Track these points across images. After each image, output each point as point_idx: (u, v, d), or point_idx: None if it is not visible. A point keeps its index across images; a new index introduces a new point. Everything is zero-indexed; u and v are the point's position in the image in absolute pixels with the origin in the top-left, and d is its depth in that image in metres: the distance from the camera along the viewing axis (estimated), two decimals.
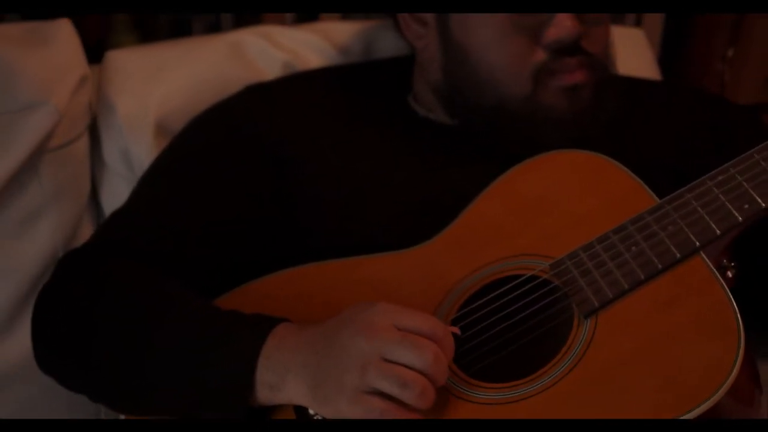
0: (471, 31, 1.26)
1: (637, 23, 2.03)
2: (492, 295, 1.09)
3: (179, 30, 1.82)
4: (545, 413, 0.98)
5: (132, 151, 1.44)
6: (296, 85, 1.41)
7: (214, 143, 1.31)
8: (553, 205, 1.14)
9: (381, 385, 0.98)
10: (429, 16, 1.30)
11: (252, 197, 1.26)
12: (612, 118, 1.27)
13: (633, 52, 1.69)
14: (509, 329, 1.07)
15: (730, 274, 1.05)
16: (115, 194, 1.45)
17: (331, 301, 1.13)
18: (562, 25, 1.22)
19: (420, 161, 1.29)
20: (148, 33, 1.81)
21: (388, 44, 1.54)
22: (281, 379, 1.03)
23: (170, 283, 1.16)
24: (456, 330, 1.04)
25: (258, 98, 1.36)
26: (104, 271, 1.17)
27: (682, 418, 0.92)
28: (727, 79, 2.00)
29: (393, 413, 0.97)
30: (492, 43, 1.24)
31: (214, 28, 1.81)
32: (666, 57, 2.02)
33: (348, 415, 0.99)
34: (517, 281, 1.09)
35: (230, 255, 1.23)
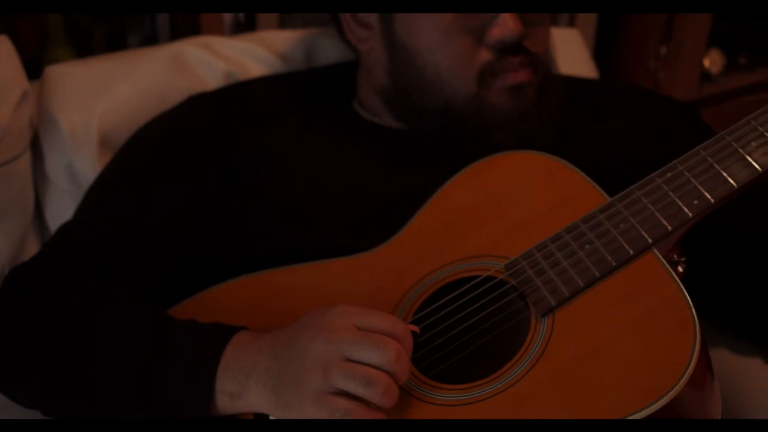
0: (416, 33, 1.27)
1: (571, 23, 2.05)
2: (448, 297, 1.09)
3: (114, 44, 1.81)
4: (505, 413, 0.99)
5: (76, 166, 1.43)
6: (239, 93, 1.41)
7: (158, 154, 1.31)
8: (506, 206, 1.15)
9: (345, 385, 0.98)
10: (373, 20, 1.31)
11: (201, 206, 1.26)
12: (556, 117, 1.29)
13: (570, 51, 1.71)
14: (467, 331, 1.08)
15: (680, 268, 1.07)
16: (61, 209, 1.43)
17: (288, 307, 1.13)
18: (506, 26, 1.24)
19: (369, 166, 1.30)
20: (84, 47, 1.79)
21: (329, 51, 1.55)
22: (241, 387, 1.03)
23: (122, 294, 1.15)
24: (415, 328, 1.04)
25: (201, 107, 1.36)
26: (53, 285, 1.16)
27: (644, 410, 0.93)
28: (661, 77, 2.03)
29: (358, 412, 0.98)
30: (437, 44, 1.26)
31: (150, 40, 1.79)
32: (600, 56, 2.05)
33: (313, 416, 0.99)
34: (473, 283, 1.09)
35: (183, 264, 1.23)
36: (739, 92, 2.09)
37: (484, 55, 1.25)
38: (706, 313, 1.03)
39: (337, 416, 0.98)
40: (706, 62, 2.07)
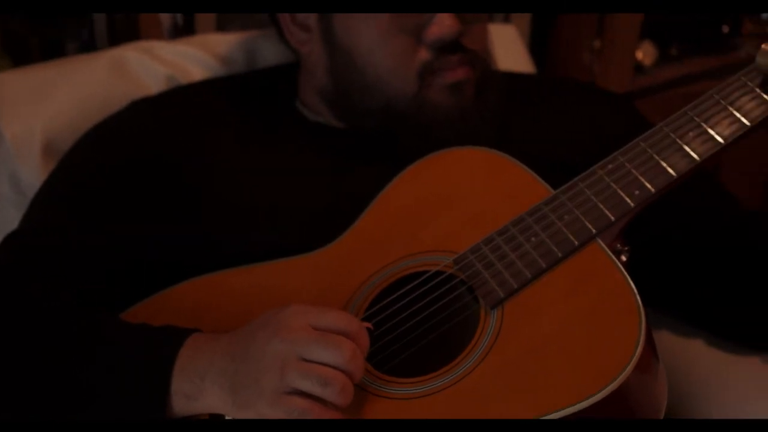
0: (355, 34, 1.28)
1: (506, 19, 2.07)
2: (398, 293, 1.11)
3: (51, 51, 1.80)
4: (459, 404, 1.01)
5: (20, 175, 1.42)
6: (182, 97, 1.41)
7: (101, 160, 1.31)
8: (452, 201, 1.17)
9: (301, 385, 0.99)
10: (312, 21, 1.32)
11: (146, 211, 1.26)
12: (496, 113, 1.31)
13: (507, 48, 1.74)
14: (418, 325, 1.09)
15: (624, 257, 1.10)
16: (6, 219, 1.43)
17: (240, 308, 1.14)
18: (443, 24, 1.25)
19: (314, 166, 1.30)
20: (20, 56, 1.78)
21: (270, 53, 1.56)
22: (197, 389, 1.04)
23: (73, 301, 1.15)
24: (369, 325, 1.06)
25: (144, 112, 1.37)
26: (2, 294, 1.16)
27: (593, 397, 0.96)
28: (596, 70, 2.06)
29: (315, 412, 0.99)
30: (376, 44, 1.27)
31: (88, 46, 1.79)
32: (535, 51, 2.07)
33: (270, 416, 1.00)
34: (422, 278, 1.11)
35: (131, 269, 1.23)
36: (671, 84, 2.13)
37: (423, 54, 1.27)
38: (650, 300, 1.05)
39: (294, 416, 0.99)
40: (639, 54, 2.10)
